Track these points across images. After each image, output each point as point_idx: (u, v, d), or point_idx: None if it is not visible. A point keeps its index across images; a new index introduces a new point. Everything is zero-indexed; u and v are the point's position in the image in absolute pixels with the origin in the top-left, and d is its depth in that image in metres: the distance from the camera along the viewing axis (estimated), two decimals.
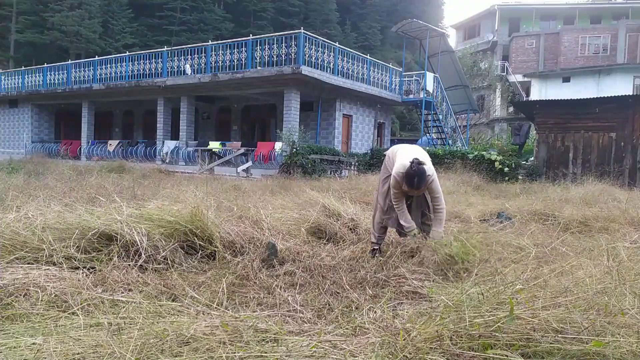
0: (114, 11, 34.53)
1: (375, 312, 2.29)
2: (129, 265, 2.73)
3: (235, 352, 1.61)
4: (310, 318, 2.21)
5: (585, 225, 4.91)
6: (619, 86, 21.89)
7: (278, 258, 3.23)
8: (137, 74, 18.00)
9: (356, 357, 1.65)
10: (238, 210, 4.12)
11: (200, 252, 3.08)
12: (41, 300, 2.15)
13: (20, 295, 2.22)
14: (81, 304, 2.12)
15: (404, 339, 1.68)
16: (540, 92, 25.92)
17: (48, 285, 2.27)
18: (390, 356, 1.61)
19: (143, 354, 1.59)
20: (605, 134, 11.90)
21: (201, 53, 16.45)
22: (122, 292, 2.37)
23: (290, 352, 1.63)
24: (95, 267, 2.64)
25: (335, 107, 16.45)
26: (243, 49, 15.33)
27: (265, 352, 1.61)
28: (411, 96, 18.88)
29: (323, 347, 1.70)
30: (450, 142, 18.56)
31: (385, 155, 3.89)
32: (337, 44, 16.09)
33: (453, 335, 1.65)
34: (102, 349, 1.61)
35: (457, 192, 8.04)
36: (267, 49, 14.82)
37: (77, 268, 2.63)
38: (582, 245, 3.57)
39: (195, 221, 3.16)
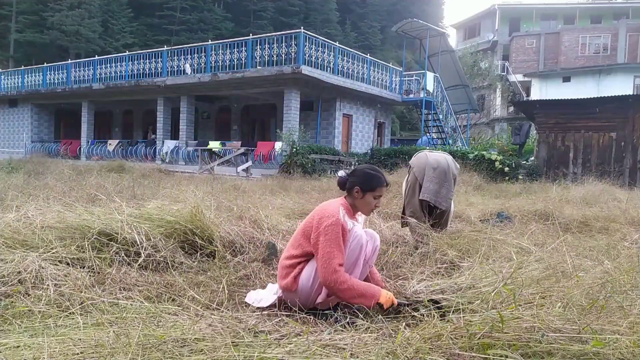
0: (113, 11, 34.52)
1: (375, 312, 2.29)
2: (129, 265, 2.73)
3: (235, 353, 1.60)
4: (310, 318, 2.21)
5: (586, 225, 4.92)
6: (619, 86, 21.90)
7: (278, 258, 3.22)
8: (136, 74, 17.99)
9: (356, 357, 1.65)
10: (238, 210, 4.12)
11: (200, 251, 3.08)
12: (41, 300, 2.15)
13: (20, 294, 2.21)
14: (81, 304, 2.12)
15: (402, 339, 1.68)
16: (540, 91, 25.93)
17: (48, 285, 2.27)
18: (390, 356, 1.61)
19: (143, 355, 1.58)
20: (605, 133, 11.90)
21: (201, 53, 16.45)
22: (122, 292, 2.37)
23: (290, 353, 1.63)
24: (95, 267, 2.64)
25: (335, 106, 16.45)
26: (243, 48, 15.33)
27: (266, 353, 1.61)
28: (411, 96, 18.88)
29: (323, 348, 1.70)
30: (450, 141, 18.56)
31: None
32: (337, 44, 16.09)
33: (453, 335, 1.65)
34: (102, 349, 1.61)
35: (457, 191, 8.04)
36: (267, 48, 14.82)
37: (77, 267, 2.63)
38: (583, 245, 3.56)
39: (195, 221, 3.16)
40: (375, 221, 4.42)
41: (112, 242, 2.86)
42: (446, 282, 2.83)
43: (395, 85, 18.75)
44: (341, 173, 2.41)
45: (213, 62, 15.98)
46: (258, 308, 2.32)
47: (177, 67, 16.97)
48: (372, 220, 4.43)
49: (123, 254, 2.80)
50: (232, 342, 1.69)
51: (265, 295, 2.40)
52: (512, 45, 30.21)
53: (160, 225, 3.10)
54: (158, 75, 17.31)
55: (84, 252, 2.73)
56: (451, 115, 19.44)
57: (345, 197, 2.41)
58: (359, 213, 2.44)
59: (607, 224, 4.89)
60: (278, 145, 14.82)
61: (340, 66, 15.63)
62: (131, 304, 2.14)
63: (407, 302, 2.24)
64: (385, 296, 2.17)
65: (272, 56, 14.65)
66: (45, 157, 15.47)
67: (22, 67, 23.14)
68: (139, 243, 2.83)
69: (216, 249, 3.12)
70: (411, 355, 1.58)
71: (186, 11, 35.43)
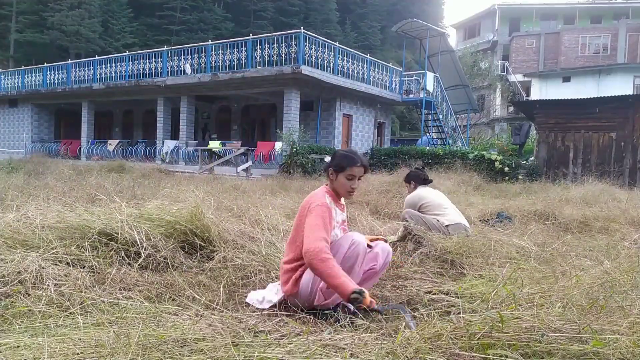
0: (113, 11, 34.55)
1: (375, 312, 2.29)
2: (129, 265, 2.73)
3: (235, 353, 1.60)
4: (310, 318, 2.21)
5: (586, 225, 4.92)
6: (619, 86, 21.90)
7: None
8: (137, 74, 17.99)
9: (356, 357, 1.65)
10: (238, 210, 4.12)
11: (200, 252, 3.08)
12: (41, 300, 2.15)
13: (20, 294, 2.21)
14: (81, 304, 2.12)
15: (402, 339, 1.68)
16: (540, 91, 25.93)
17: (48, 285, 2.27)
18: (390, 356, 1.61)
19: (143, 355, 1.59)
20: (605, 133, 11.90)
21: (201, 53, 16.45)
22: (122, 292, 2.37)
23: (290, 353, 1.63)
24: (95, 267, 2.64)
25: (335, 106, 16.45)
26: (243, 48, 15.33)
27: (266, 353, 1.61)
28: (411, 96, 18.88)
29: (323, 348, 1.70)
30: (450, 141, 18.56)
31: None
32: (337, 44, 16.09)
33: (453, 335, 1.65)
34: (102, 349, 1.61)
35: (457, 191, 8.04)
36: (267, 48, 14.81)
37: (77, 267, 2.63)
38: (583, 245, 3.56)
39: (195, 221, 3.16)
40: (374, 222, 4.42)
41: (112, 242, 2.86)
42: (447, 282, 2.83)
43: (395, 85, 18.75)
44: (327, 159, 2.49)
45: (213, 62, 15.98)
46: (258, 308, 2.33)
47: (177, 67, 16.97)
48: (371, 221, 4.43)
49: (123, 254, 2.80)
50: (232, 342, 1.69)
51: (266, 295, 2.40)
52: (512, 45, 30.20)
53: (160, 225, 3.10)
54: (158, 75, 17.31)
55: (84, 252, 2.73)
56: (451, 115, 19.43)
57: (326, 184, 2.47)
58: (342, 199, 2.51)
59: (607, 224, 4.89)
60: (278, 145, 14.82)
61: (340, 66, 15.63)
62: (131, 304, 2.14)
63: (380, 310, 2.08)
64: (363, 295, 2.00)
65: (272, 56, 14.65)
66: (46, 157, 15.47)
67: (22, 67, 23.13)
68: (139, 243, 2.83)
69: (216, 249, 3.12)
70: (411, 355, 1.58)
71: (186, 11, 35.46)
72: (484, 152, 12.80)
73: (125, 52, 20.17)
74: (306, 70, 13.67)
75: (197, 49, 16.71)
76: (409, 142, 22.40)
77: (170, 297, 2.38)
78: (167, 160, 16.99)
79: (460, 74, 19.98)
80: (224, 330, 1.84)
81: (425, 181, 4.15)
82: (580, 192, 7.32)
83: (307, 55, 14.16)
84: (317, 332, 1.96)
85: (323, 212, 2.25)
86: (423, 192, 4.02)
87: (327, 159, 2.54)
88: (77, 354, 1.59)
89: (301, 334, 1.90)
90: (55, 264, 2.54)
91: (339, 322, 2.13)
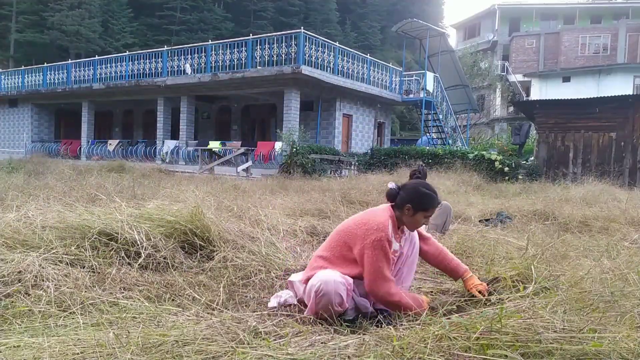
0: (113, 11, 34.55)
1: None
2: (129, 264, 2.73)
3: (235, 354, 1.61)
4: (310, 319, 2.21)
5: (586, 225, 4.91)
6: (619, 86, 21.90)
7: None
8: (137, 74, 17.99)
9: (357, 357, 1.65)
10: (238, 210, 4.12)
11: (200, 252, 3.08)
12: (41, 299, 2.15)
13: (20, 294, 2.22)
14: (81, 304, 2.11)
15: (402, 340, 1.68)
16: (540, 91, 25.93)
17: (48, 285, 2.27)
18: (390, 356, 1.61)
19: (143, 355, 1.59)
20: (605, 133, 11.90)
21: (201, 53, 16.45)
22: (122, 292, 2.37)
23: (290, 354, 1.63)
24: (95, 267, 2.64)
25: (335, 106, 16.45)
26: (243, 48, 15.33)
27: (266, 354, 1.61)
28: (411, 96, 18.88)
29: (323, 348, 1.70)
30: (450, 141, 18.55)
31: None
32: (337, 44, 16.09)
33: (452, 335, 1.65)
34: (102, 349, 1.61)
35: (457, 191, 8.04)
36: (267, 48, 14.82)
37: (77, 267, 2.63)
38: (583, 245, 3.56)
39: (195, 221, 3.16)
40: None
41: (112, 242, 2.86)
42: (447, 282, 2.84)
43: (395, 85, 18.75)
44: (391, 185, 2.30)
45: (213, 62, 15.98)
46: (259, 305, 2.33)
47: (177, 67, 16.98)
48: None
49: (123, 254, 2.80)
50: (231, 343, 1.69)
51: (286, 295, 2.40)
52: (512, 45, 30.20)
53: (160, 225, 3.10)
54: (158, 75, 17.31)
55: (84, 252, 2.73)
56: (451, 115, 19.43)
57: (392, 208, 2.29)
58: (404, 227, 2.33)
59: (607, 223, 4.89)
60: (278, 145, 14.82)
61: (340, 66, 15.63)
62: (131, 304, 2.14)
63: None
64: (427, 305, 2.22)
65: (272, 56, 14.65)
66: (46, 157, 15.46)
67: (22, 67, 23.13)
68: (139, 243, 2.83)
69: (216, 249, 3.12)
70: (411, 356, 1.58)
71: (186, 11, 35.45)
72: (484, 152, 12.79)
73: (125, 52, 20.16)
74: (306, 70, 13.67)
75: (197, 49, 16.71)
76: (409, 142, 22.40)
77: (171, 297, 2.37)
78: (167, 160, 16.99)
79: (460, 74, 19.98)
80: (223, 330, 1.84)
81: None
82: (580, 192, 7.32)
83: (307, 55, 14.16)
84: (317, 332, 1.96)
85: (384, 248, 2.13)
86: None
87: (392, 184, 2.31)
88: (77, 354, 1.59)
89: (300, 334, 1.90)
90: (55, 264, 2.54)
91: (341, 324, 2.13)
